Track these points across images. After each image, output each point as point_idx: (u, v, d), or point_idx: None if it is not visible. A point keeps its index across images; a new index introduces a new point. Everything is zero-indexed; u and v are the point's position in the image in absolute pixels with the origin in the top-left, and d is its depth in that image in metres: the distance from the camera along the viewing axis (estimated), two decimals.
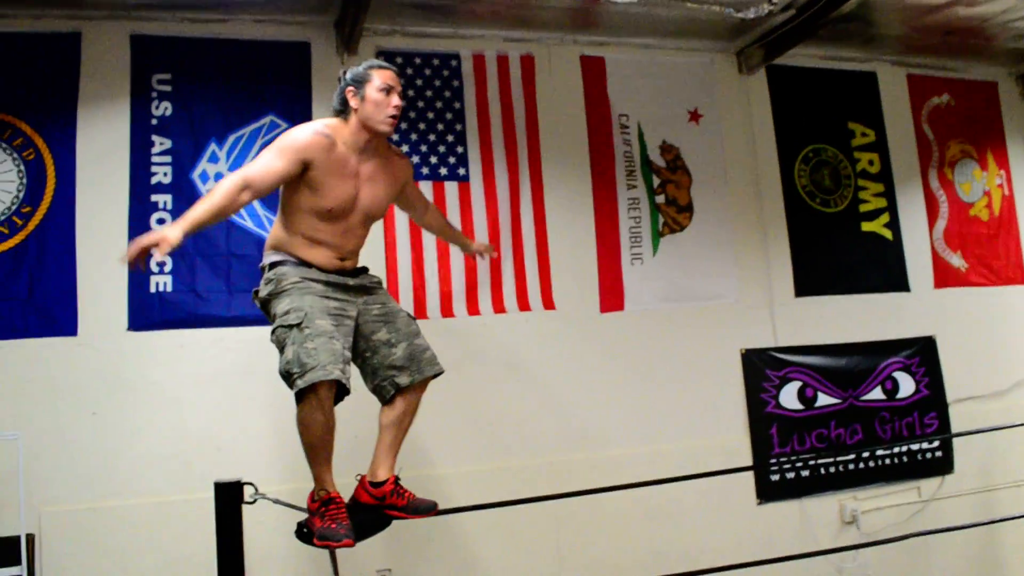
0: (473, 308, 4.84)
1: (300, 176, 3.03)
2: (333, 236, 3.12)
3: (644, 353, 5.22)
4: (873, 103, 6.03)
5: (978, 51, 6.13)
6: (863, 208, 5.88)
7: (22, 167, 4.31)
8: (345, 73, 3.18)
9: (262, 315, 4.25)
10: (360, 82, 3.11)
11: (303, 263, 3.07)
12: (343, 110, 3.14)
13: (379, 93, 3.09)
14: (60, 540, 4.04)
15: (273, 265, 3.10)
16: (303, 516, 3.09)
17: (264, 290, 3.09)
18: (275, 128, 4.59)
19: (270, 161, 2.99)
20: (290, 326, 2.92)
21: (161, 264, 4.36)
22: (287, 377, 2.93)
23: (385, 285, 3.47)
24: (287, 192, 3.10)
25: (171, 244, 2.68)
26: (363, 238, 3.29)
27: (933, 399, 5.84)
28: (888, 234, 5.92)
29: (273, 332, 3.00)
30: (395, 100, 3.13)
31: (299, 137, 3.04)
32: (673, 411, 5.22)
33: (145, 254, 2.70)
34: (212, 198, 2.87)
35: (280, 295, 3.01)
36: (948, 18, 5.43)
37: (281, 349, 2.96)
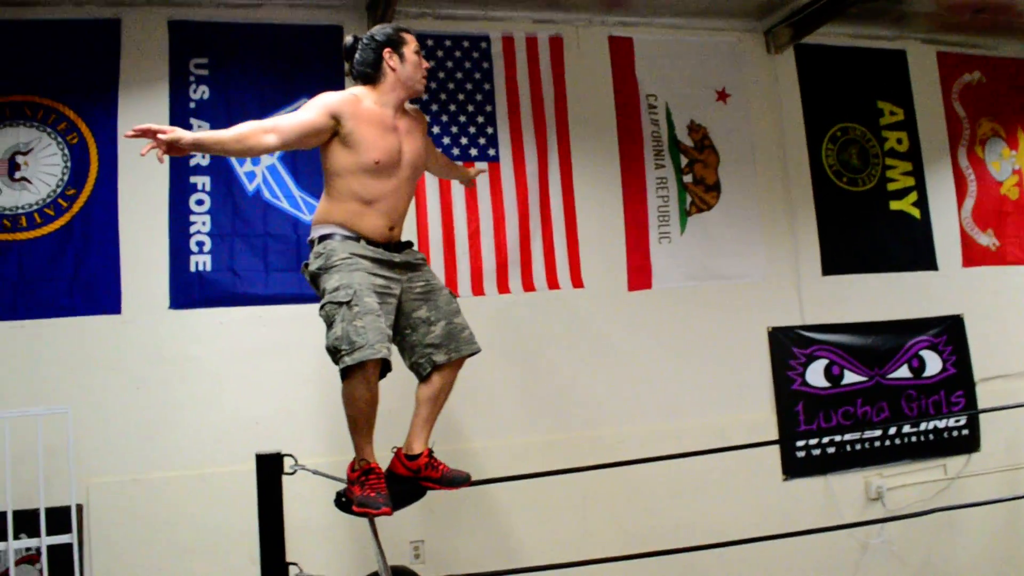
0: (503, 286, 4.93)
1: (334, 137, 3.09)
2: (384, 194, 3.15)
3: (672, 331, 5.29)
4: (902, 81, 6.01)
5: (1009, 28, 6.07)
6: (891, 187, 5.87)
7: (66, 151, 4.43)
8: (366, 39, 3.23)
9: (298, 293, 4.47)
10: (396, 43, 3.20)
11: (351, 237, 3.11)
12: (374, 72, 3.20)
13: (415, 55, 3.22)
14: (107, 510, 4.20)
15: (322, 239, 3.13)
16: (340, 487, 3.19)
17: (314, 264, 3.13)
18: None
19: (298, 113, 3.08)
20: (339, 303, 2.97)
21: (200, 244, 4.50)
22: (334, 352, 2.99)
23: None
24: (329, 159, 3.14)
25: (178, 140, 2.72)
26: (410, 199, 3.34)
27: (960, 378, 5.85)
28: (916, 213, 5.91)
29: (322, 307, 3.05)
30: (424, 63, 3.28)
31: (325, 95, 3.13)
32: (700, 388, 5.28)
33: (151, 137, 2.71)
34: (238, 128, 2.92)
35: (330, 270, 3.05)
36: None
37: (330, 325, 3.01)
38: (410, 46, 3.21)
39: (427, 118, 3.59)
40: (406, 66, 3.19)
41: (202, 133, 2.87)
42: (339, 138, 3.09)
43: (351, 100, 3.13)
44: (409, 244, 3.33)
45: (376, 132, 3.12)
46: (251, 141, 2.94)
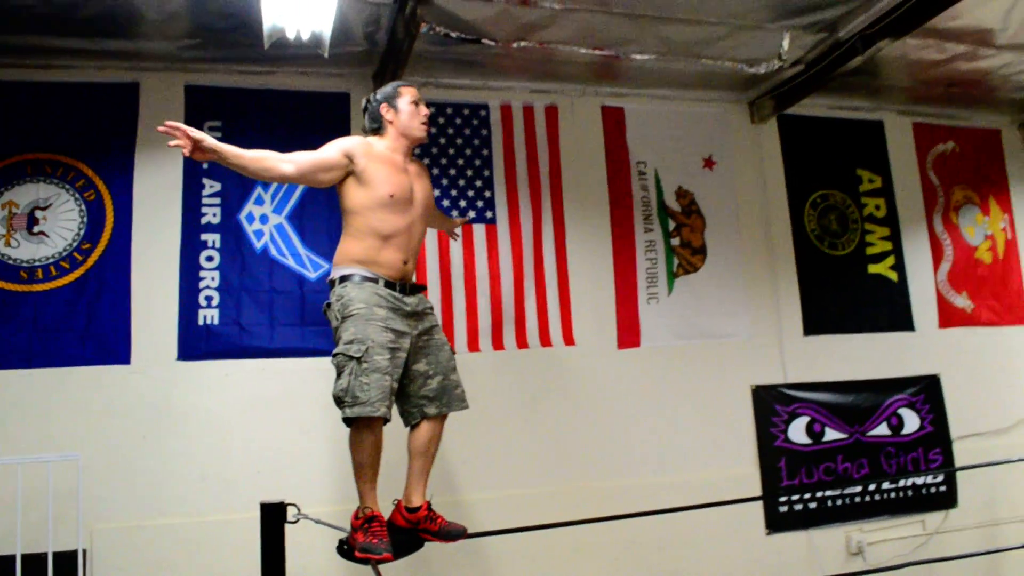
0: (498, 343, 5.11)
1: (349, 176, 3.37)
2: (399, 230, 3.39)
3: (659, 388, 5.46)
4: (880, 150, 6.30)
5: (981, 101, 6.35)
6: (869, 251, 6.13)
7: (83, 207, 4.64)
8: (372, 98, 3.61)
9: (302, 347, 4.67)
10: (392, 98, 3.54)
11: (370, 278, 3.31)
12: (378, 127, 3.55)
13: (410, 105, 3.53)
14: (110, 555, 4.31)
15: (343, 279, 3.34)
16: (341, 535, 3.35)
17: (332, 310, 3.35)
18: None
19: (315, 151, 3.36)
20: (350, 357, 3.19)
21: (209, 299, 4.69)
22: (339, 402, 3.22)
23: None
24: (346, 198, 3.40)
25: (201, 141, 3.00)
26: (423, 237, 3.60)
27: (937, 435, 6.03)
28: (894, 276, 6.16)
29: (334, 355, 3.27)
30: (423, 110, 3.56)
31: (341, 138, 3.46)
32: (686, 444, 5.43)
33: (182, 135, 2.98)
34: (259, 151, 3.21)
35: (346, 320, 3.26)
36: (951, 71, 5.65)
37: (339, 374, 3.23)
38: (405, 98, 3.54)
39: (428, 171, 3.88)
40: (401, 116, 3.52)
41: (224, 145, 3.11)
42: (354, 176, 3.37)
43: (364, 143, 3.45)
44: (422, 288, 3.56)
45: (388, 170, 3.41)
46: (269, 163, 3.23)
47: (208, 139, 3.04)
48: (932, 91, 6.09)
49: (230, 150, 3.12)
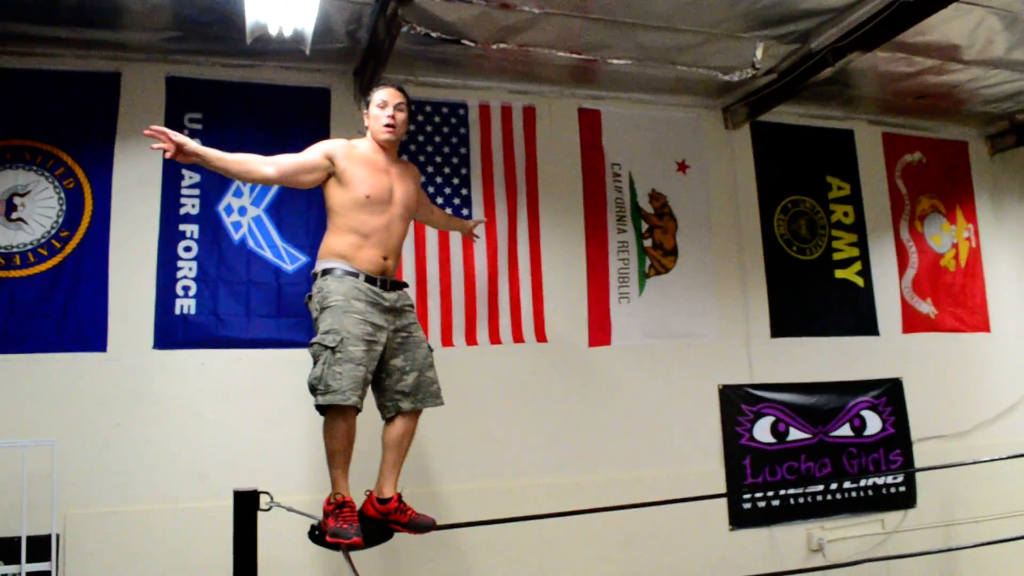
0: (471, 339, 5.20)
1: (331, 177, 3.53)
2: (378, 228, 3.53)
3: (628, 385, 5.57)
4: (850, 159, 6.45)
5: (950, 113, 6.52)
6: (837, 256, 6.28)
7: (62, 194, 4.66)
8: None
9: (277, 338, 4.74)
10: (368, 102, 3.71)
11: (351, 272, 3.44)
12: (365, 129, 3.74)
13: (377, 108, 3.67)
14: (84, 540, 4.35)
15: (325, 273, 3.47)
16: (313, 523, 3.44)
17: (313, 302, 3.48)
18: None
19: (296, 153, 3.52)
20: (325, 346, 3.31)
21: (186, 289, 4.73)
22: (312, 389, 3.34)
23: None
24: (329, 197, 3.57)
25: (182, 146, 3.13)
26: (404, 236, 3.72)
27: (898, 437, 6.19)
28: (860, 281, 6.31)
29: (311, 345, 3.40)
30: (388, 112, 3.66)
31: (324, 141, 3.66)
32: (654, 440, 5.55)
33: (165, 139, 3.12)
34: (241, 155, 3.36)
35: (324, 311, 3.39)
36: (920, 84, 5.80)
37: (314, 363, 3.36)
38: (374, 100, 3.69)
39: (419, 172, 4.02)
40: (370, 120, 3.69)
41: (207, 148, 3.23)
42: (335, 177, 3.53)
43: (346, 145, 3.62)
44: (404, 285, 3.66)
45: (367, 171, 3.55)
46: (251, 167, 3.38)
47: (191, 143, 3.16)
48: (902, 102, 6.25)
49: (213, 153, 3.24)
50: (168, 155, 3.13)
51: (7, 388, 4.42)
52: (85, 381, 4.54)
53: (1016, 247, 6.96)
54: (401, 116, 3.69)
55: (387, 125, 3.65)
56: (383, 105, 3.66)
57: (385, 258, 3.55)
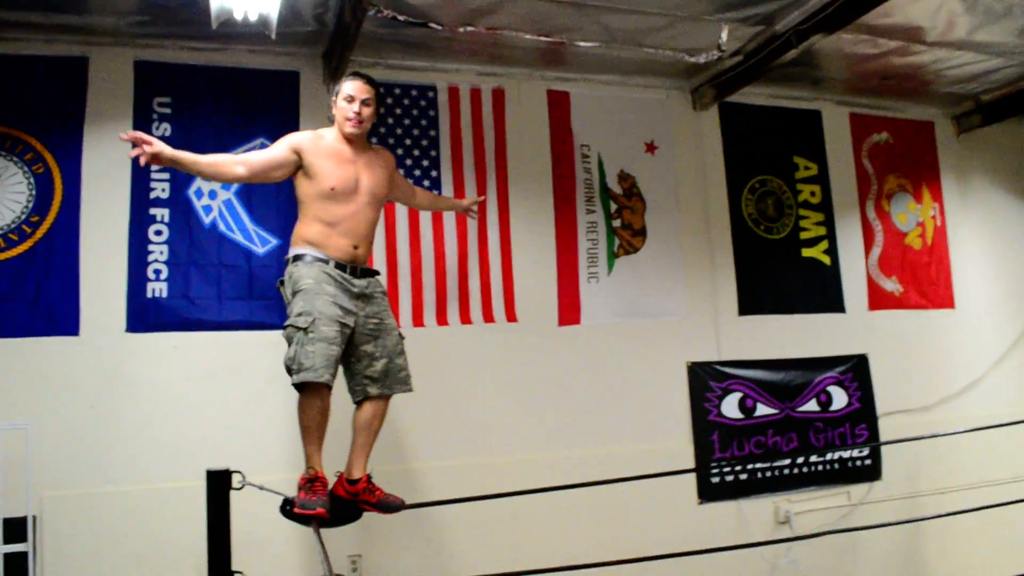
0: (442, 319, 5.27)
1: (299, 169, 3.61)
2: (344, 217, 3.62)
3: (598, 364, 5.65)
4: (817, 139, 6.53)
5: (916, 94, 6.61)
6: (803, 235, 6.37)
7: (32, 180, 4.67)
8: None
9: (249, 320, 4.79)
10: (336, 93, 3.77)
11: (320, 259, 3.53)
12: (333, 116, 3.79)
13: (343, 101, 3.73)
14: (60, 522, 4.40)
15: (296, 259, 3.57)
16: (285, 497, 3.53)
17: (285, 287, 3.59)
18: None
19: (266, 149, 3.64)
20: (298, 328, 3.42)
21: (158, 272, 4.77)
22: (288, 370, 3.45)
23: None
24: (298, 188, 3.67)
25: (158, 154, 3.22)
26: (374, 223, 3.80)
27: (864, 412, 6.33)
28: (826, 260, 6.42)
29: (284, 327, 3.50)
30: (355, 107, 3.71)
31: (291, 134, 3.72)
32: (623, 417, 5.65)
33: (139, 144, 3.21)
34: (213, 156, 3.45)
35: (296, 295, 3.50)
36: (885, 65, 5.88)
37: (288, 344, 3.47)
38: (341, 92, 3.75)
39: (393, 158, 4.08)
40: (336, 112, 3.76)
41: (180, 152, 3.30)
42: (302, 170, 3.62)
43: (313, 137, 3.69)
44: (375, 273, 3.75)
45: (332, 164, 3.63)
46: (222, 168, 3.47)
47: (167, 149, 3.24)
48: (868, 83, 6.33)
49: (187, 157, 3.33)
50: (143, 161, 3.21)
51: None
52: (58, 365, 4.57)
53: (981, 225, 7.08)
54: (367, 111, 3.74)
55: (351, 120, 3.71)
56: (350, 100, 3.71)
57: (355, 246, 3.65)
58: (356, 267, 3.63)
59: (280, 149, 3.61)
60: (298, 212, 3.71)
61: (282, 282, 3.65)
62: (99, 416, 4.59)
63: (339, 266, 3.56)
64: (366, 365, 3.66)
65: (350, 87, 3.73)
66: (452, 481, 4.80)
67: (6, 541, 4.12)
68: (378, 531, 4.86)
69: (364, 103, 3.72)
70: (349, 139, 3.74)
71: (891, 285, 6.65)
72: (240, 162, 3.53)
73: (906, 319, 6.67)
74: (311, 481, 3.46)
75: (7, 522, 4.14)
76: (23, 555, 4.19)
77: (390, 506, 3.67)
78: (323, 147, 3.67)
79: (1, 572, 4.09)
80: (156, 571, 4.50)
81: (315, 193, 3.61)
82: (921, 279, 6.78)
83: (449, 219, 5.31)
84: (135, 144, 3.21)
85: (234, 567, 3.48)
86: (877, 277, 6.60)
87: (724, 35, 5.15)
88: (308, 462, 3.52)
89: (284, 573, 4.64)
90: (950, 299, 6.87)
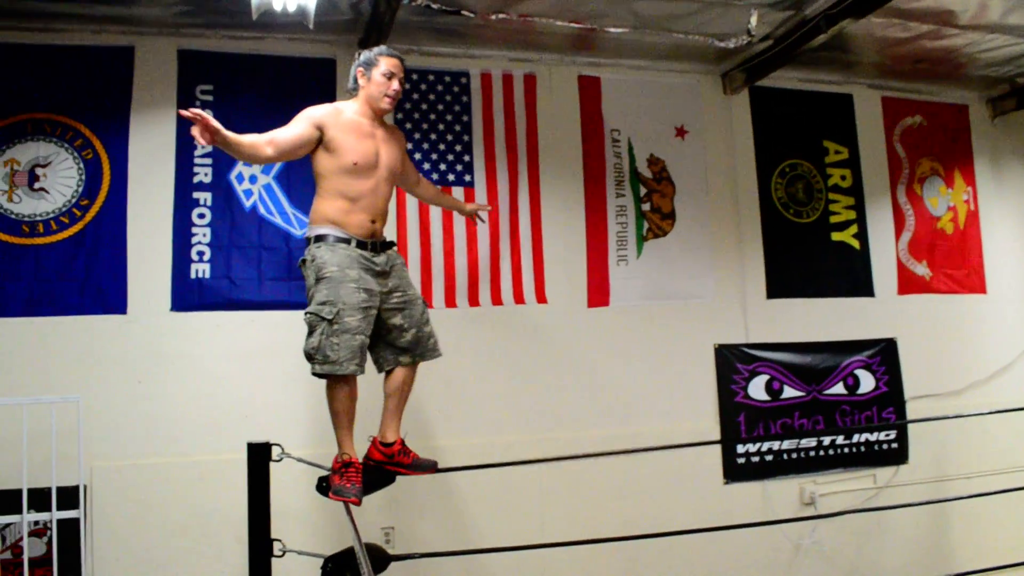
0: (474, 300, 5.40)
1: (320, 143, 3.60)
2: (365, 192, 3.63)
3: (626, 345, 5.76)
4: (848, 123, 6.52)
5: (950, 77, 6.55)
6: (833, 219, 6.39)
7: (81, 165, 4.87)
8: (359, 55, 3.81)
9: (288, 300, 4.95)
10: (369, 65, 3.73)
11: (342, 239, 3.56)
12: (355, 88, 3.77)
13: (382, 77, 3.71)
14: (108, 490, 4.64)
15: (318, 239, 3.58)
16: (321, 474, 3.70)
17: (308, 268, 3.60)
18: None
19: (290, 127, 3.60)
20: (322, 318, 3.47)
21: (201, 254, 4.96)
22: (309, 358, 3.53)
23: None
24: (317, 164, 3.65)
25: (216, 132, 3.20)
26: (389, 198, 3.82)
27: (891, 395, 6.35)
28: (856, 244, 6.44)
29: (307, 314, 3.54)
30: (395, 85, 3.73)
31: (310, 109, 3.67)
32: (651, 398, 5.75)
33: (202, 126, 3.19)
34: (250, 137, 3.44)
35: (320, 281, 3.52)
36: (917, 49, 5.86)
37: (310, 332, 3.52)
38: (380, 68, 3.71)
39: (404, 136, 4.12)
40: (371, 85, 3.72)
41: (230, 133, 3.32)
42: (323, 145, 3.61)
43: (333, 112, 3.67)
44: (391, 244, 3.80)
45: (354, 138, 3.63)
46: (255, 150, 3.46)
47: (223, 131, 3.26)
48: (900, 66, 6.30)
49: (231, 137, 3.33)
50: (204, 140, 3.20)
51: (34, 348, 4.68)
52: (107, 341, 4.78)
53: (1015, 210, 7.03)
54: (401, 89, 3.80)
55: (390, 97, 3.73)
56: (390, 76, 3.70)
57: (373, 221, 3.66)
58: (376, 243, 3.66)
59: (303, 126, 3.58)
60: (316, 187, 3.67)
61: (303, 262, 3.63)
62: (145, 391, 4.80)
63: (360, 244, 3.58)
64: (396, 337, 3.75)
65: (391, 64, 3.70)
66: (481, 459, 4.85)
67: (59, 508, 4.34)
68: (409, 504, 5.04)
69: (401, 81, 3.77)
70: (372, 115, 3.74)
71: (921, 269, 6.65)
72: (268, 142, 3.48)
73: (936, 303, 6.66)
74: (346, 466, 3.57)
75: (60, 491, 4.36)
76: (75, 521, 4.43)
77: (423, 465, 3.81)
78: (344, 122, 3.64)
79: (56, 537, 4.31)
80: (198, 539, 4.73)
81: (336, 168, 3.59)
82: (952, 264, 6.76)
83: (481, 202, 5.40)
84: (194, 122, 3.18)
85: (273, 535, 3.64)
86: (907, 261, 6.60)
87: (753, 20, 5.18)
88: (341, 448, 3.62)
89: (320, 542, 4.77)
90: (982, 284, 6.84)
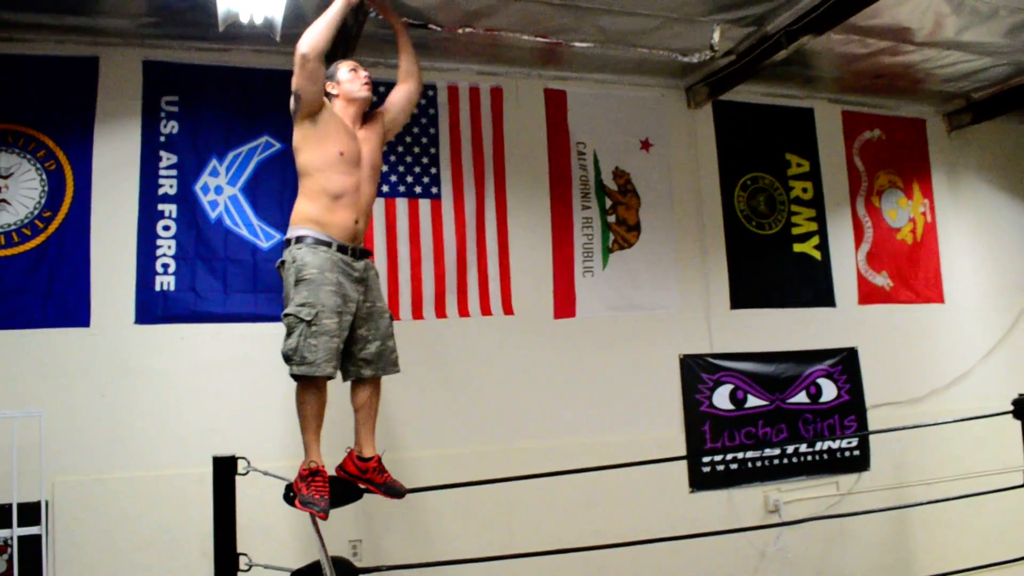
0: (441, 312, 5.41)
1: (307, 132, 3.66)
2: (348, 189, 3.66)
3: (592, 356, 5.80)
4: (809, 136, 6.65)
5: (908, 91, 6.71)
6: (795, 231, 6.51)
7: (44, 176, 4.82)
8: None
9: (254, 312, 4.92)
10: (332, 76, 3.85)
11: (323, 241, 3.57)
12: (329, 98, 3.83)
13: (349, 73, 3.85)
14: (71, 506, 4.57)
15: (298, 240, 3.59)
16: (288, 482, 3.68)
17: (287, 270, 3.60)
18: (270, 147, 5.18)
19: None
20: (301, 319, 3.48)
21: (165, 266, 4.92)
22: (287, 359, 3.53)
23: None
24: (302, 156, 3.67)
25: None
26: (373, 197, 3.86)
27: (853, 404, 6.46)
28: (817, 255, 6.56)
29: (285, 315, 3.54)
30: (362, 72, 3.87)
31: None
32: (617, 408, 5.79)
33: None
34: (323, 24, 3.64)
35: (299, 283, 3.53)
36: (876, 64, 5.99)
37: (288, 333, 3.53)
38: (342, 71, 3.86)
39: (380, 112, 4.07)
40: (343, 85, 3.83)
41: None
42: (312, 135, 3.65)
43: (328, 103, 3.78)
44: (368, 253, 3.83)
45: (339, 128, 3.71)
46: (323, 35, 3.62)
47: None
48: (860, 81, 6.43)
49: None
50: None
51: None
52: (70, 355, 4.72)
53: (971, 221, 7.20)
54: (369, 76, 3.89)
55: (366, 84, 3.84)
56: (355, 70, 3.85)
57: (356, 221, 3.68)
58: (356, 248, 3.68)
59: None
60: (299, 187, 3.69)
61: (282, 263, 3.64)
62: (109, 405, 4.75)
63: (340, 248, 3.60)
64: (360, 348, 3.76)
65: (349, 64, 3.88)
66: (449, 470, 4.90)
67: (21, 524, 4.27)
68: (377, 517, 5.03)
69: (367, 74, 3.87)
70: (354, 114, 3.82)
71: (881, 280, 6.78)
72: (313, 44, 3.59)
73: (896, 313, 6.79)
74: (313, 474, 3.56)
75: (22, 507, 4.29)
76: (37, 538, 4.36)
77: (394, 490, 3.80)
78: (332, 115, 3.74)
79: (16, 554, 4.25)
80: (164, 554, 4.67)
81: (321, 160, 3.61)
82: (911, 274, 6.90)
83: (448, 215, 5.45)
84: None
85: (239, 550, 3.61)
86: (867, 272, 6.73)
87: (716, 36, 5.28)
88: (308, 454, 3.61)
89: (287, 556, 4.74)
90: (939, 294, 6.99)
